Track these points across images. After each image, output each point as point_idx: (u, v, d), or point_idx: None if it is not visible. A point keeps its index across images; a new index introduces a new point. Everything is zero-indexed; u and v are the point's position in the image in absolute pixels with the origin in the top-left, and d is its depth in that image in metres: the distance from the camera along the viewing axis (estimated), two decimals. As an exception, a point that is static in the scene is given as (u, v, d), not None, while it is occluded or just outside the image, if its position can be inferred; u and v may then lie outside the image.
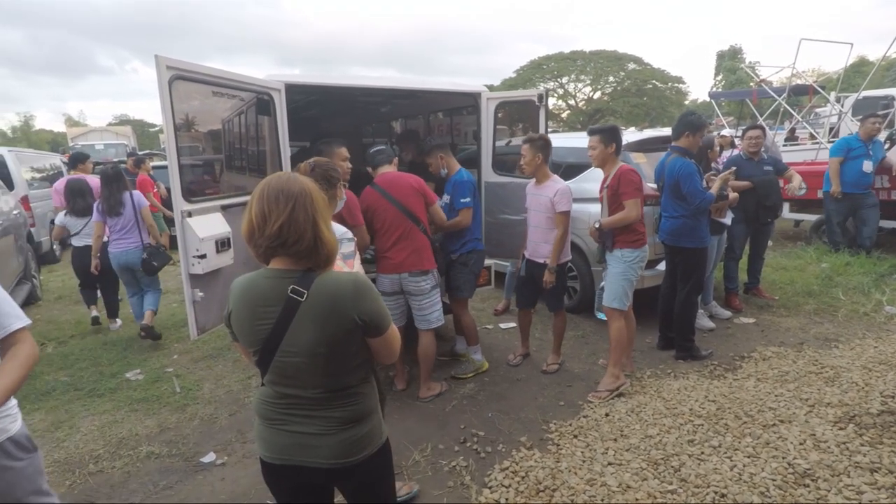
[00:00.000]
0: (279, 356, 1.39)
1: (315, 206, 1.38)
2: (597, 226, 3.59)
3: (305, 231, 1.35)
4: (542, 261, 3.70)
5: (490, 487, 2.61)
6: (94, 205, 4.81)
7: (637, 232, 3.48)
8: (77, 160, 6.12)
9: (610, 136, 3.44)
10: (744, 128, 5.15)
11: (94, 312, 5.27)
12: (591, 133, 3.55)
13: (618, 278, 3.50)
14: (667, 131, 5.65)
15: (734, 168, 4.43)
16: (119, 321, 5.29)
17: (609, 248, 3.54)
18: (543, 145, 3.63)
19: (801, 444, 2.76)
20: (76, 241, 5.03)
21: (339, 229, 2.47)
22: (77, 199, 4.98)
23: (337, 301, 1.36)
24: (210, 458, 2.97)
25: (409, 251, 3.38)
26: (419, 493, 2.62)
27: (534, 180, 3.75)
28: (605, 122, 34.51)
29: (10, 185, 7.35)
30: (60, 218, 5.14)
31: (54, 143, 45.62)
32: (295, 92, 3.71)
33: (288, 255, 1.38)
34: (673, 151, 3.84)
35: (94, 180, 5.48)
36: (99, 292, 5.27)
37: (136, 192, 4.92)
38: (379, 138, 7.80)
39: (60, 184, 6.15)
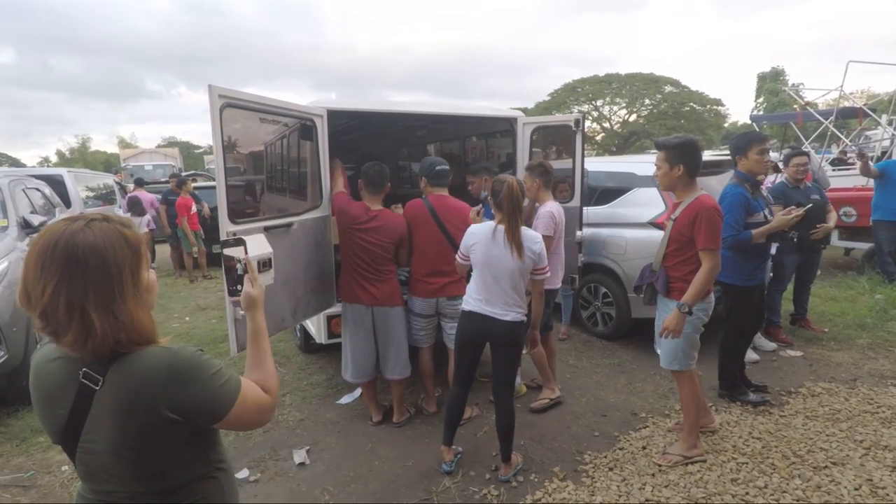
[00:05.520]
0: (80, 453, 1.10)
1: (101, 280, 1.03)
2: (653, 268, 3.00)
3: (70, 317, 1.02)
4: None
5: (522, 519, 2.55)
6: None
7: None
8: (139, 184, 10.26)
9: (677, 155, 2.84)
10: (786, 153, 4.93)
11: None
12: (657, 147, 2.99)
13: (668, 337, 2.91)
14: (706, 155, 5.52)
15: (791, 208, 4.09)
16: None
17: (663, 292, 2.93)
18: (542, 171, 3.62)
19: (856, 489, 2.60)
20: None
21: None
22: (134, 206, 8.81)
23: (140, 394, 1.05)
24: (244, 474, 3.01)
25: (448, 280, 3.37)
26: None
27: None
28: (640, 145, 34.17)
29: (67, 203, 7.75)
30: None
31: (107, 163, 48.12)
32: (335, 117, 3.82)
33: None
34: (734, 175, 3.61)
35: (146, 195, 9.44)
36: None
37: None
38: (414, 161, 7.91)
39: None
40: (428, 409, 3.68)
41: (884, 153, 10.27)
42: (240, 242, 1.44)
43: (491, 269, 2.72)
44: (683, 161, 2.82)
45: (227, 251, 1.44)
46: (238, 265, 1.40)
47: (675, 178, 2.85)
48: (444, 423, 3.00)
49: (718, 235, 2.74)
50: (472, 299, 2.81)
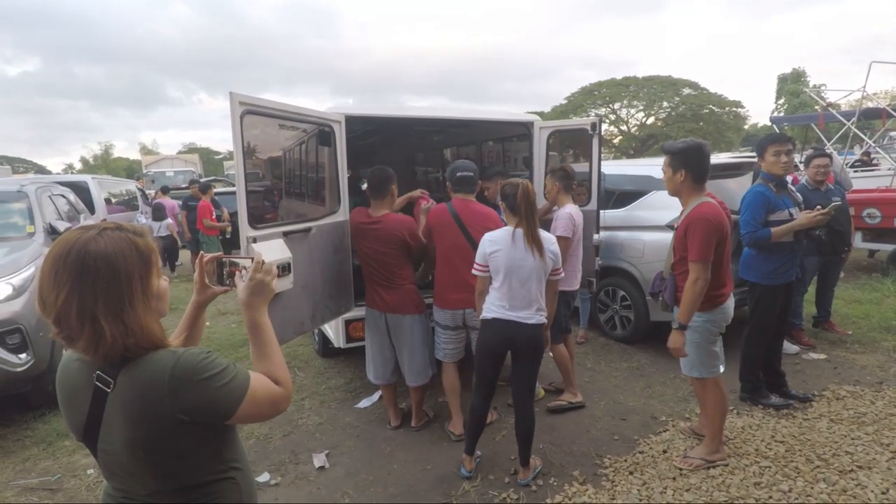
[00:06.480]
0: (100, 453, 1.13)
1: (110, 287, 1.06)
2: (663, 275, 3.00)
3: (82, 324, 1.05)
4: None
5: (542, 522, 2.55)
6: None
7: (707, 292, 2.73)
8: (164, 191, 11.15)
9: (680, 160, 2.78)
10: (808, 154, 4.86)
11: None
12: (663, 151, 2.95)
13: (686, 345, 2.88)
14: (724, 157, 5.46)
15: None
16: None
17: (670, 301, 2.92)
18: (564, 175, 3.66)
19: (883, 493, 2.55)
20: (156, 233, 9.04)
21: None
22: (156, 212, 9.72)
23: (146, 397, 1.07)
24: (264, 478, 3.04)
25: (471, 288, 3.12)
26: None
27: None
28: (658, 148, 33.82)
29: (91, 210, 7.94)
30: (145, 221, 9.47)
31: (130, 169, 49.08)
32: (353, 123, 3.86)
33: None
34: (760, 176, 3.65)
35: (168, 202, 10.30)
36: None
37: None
38: (431, 167, 7.96)
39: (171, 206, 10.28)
40: (454, 433, 3.37)
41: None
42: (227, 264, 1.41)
43: (516, 273, 2.69)
44: (686, 166, 2.75)
45: (231, 266, 1.40)
46: (244, 271, 1.40)
47: (679, 183, 2.80)
48: (466, 433, 2.97)
49: (707, 247, 2.64)
50: (494, 306, 2.75)
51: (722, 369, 2.92)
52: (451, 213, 3.28)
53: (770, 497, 2.59)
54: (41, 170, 46.81)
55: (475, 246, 3.14)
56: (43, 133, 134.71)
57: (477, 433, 2.95)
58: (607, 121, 35.01)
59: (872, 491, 2.57)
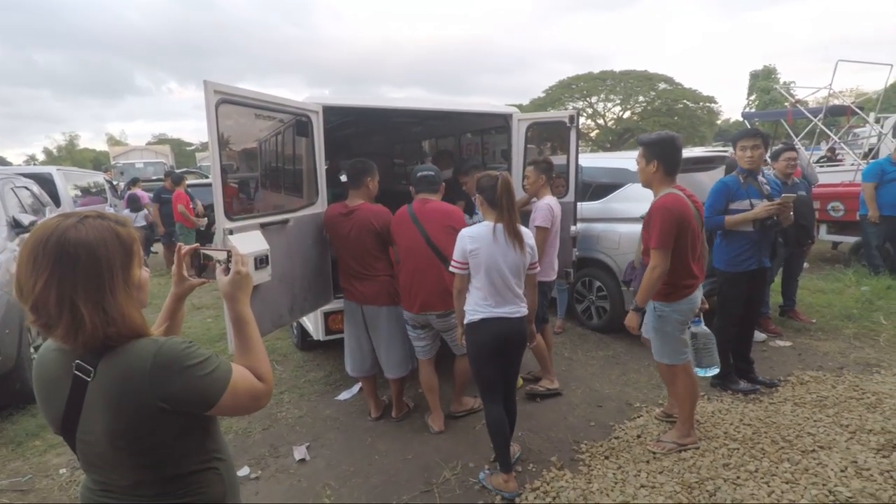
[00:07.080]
0: (79, 444, 1.12)
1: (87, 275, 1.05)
2: (634, 264, 3.14)
3: (61, 311, 1.04)
4: None
5: (520, 507, 2.60)
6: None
7: (673, 283, 2.84)
8: (134, 182, 10.56)
9: (653, 152, 2.85)
10: (776, 149, 5.02)
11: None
12: (637, 143, 3.01)
13: (652, 333, 3.00)
14: (698, 151, 5.58)
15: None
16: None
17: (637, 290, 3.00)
18: (546, 167, 3.75)
19: (842, 471, 2.68)
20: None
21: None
22: (132, 203, 9.61)
23: (128, 385, 1.06)
24: (244, 471, 3.02)
25: (432, 291, 3.14)
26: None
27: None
28: (634, 141, 34.37)
29: (57, 202, 7.71)
30: (125, 213, 9.25)
31: (97, 161, 47.55)
32: (331, 113, 3.83)
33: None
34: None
35: (142, 193, 9.94)
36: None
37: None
38: (409, 160, 7.94)
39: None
40: (433, 428, 3.37)
41: (870, 150, 10.42)
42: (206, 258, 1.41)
43: (499, 269, 2.61)
44: (659, 157, 2.83)
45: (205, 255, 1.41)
46: (217, 264, 1.40)
47: (651, 174, 2.88)
48: (494, 448, 2.78)
49: (666, 236, 2.70)
50: (480, 307, 2.66)
51: (716, 370, 3.04)
52: (410, 213, 3.21)
53: (738, 477, 2.70)
54: (1, 161, 44.98)
55: (433, 246, 3.13)
56: (2, 123, 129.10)
57: (505, 444, 2.72)
58: (584, 114, 35.38)
59: (832, 469, 2.70)
